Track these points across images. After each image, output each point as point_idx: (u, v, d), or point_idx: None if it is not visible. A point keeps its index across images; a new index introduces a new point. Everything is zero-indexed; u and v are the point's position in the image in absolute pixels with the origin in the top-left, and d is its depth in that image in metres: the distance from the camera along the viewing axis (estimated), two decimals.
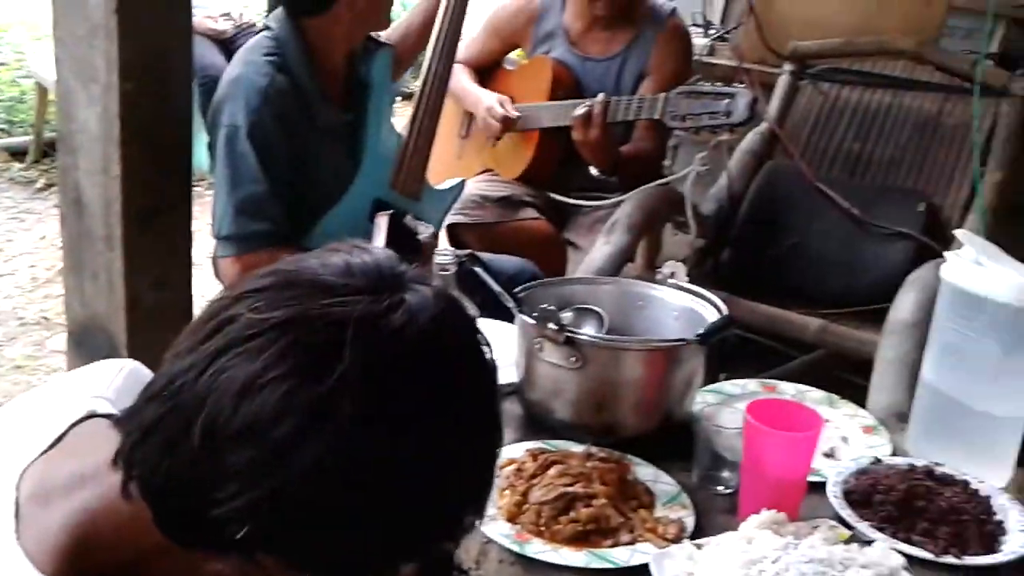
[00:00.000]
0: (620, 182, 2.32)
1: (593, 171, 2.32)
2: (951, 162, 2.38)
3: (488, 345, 0.69)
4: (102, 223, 1.64)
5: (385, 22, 1.86)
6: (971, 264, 1.24)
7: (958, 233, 1.32)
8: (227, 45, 4.03)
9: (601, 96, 2.14)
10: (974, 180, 2.28)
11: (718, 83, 2.03)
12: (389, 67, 1.87)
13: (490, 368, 0.69)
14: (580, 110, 2.15)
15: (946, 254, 1.30)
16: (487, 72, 2.55)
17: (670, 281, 1.50)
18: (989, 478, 1.24)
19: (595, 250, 2.08)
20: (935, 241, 2.20)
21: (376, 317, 0.62)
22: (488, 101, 2.40)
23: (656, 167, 2.46)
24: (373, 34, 1.88)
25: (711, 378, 1.53)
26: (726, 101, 1.94)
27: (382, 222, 1.57)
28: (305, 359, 0.60)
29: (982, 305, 1.21)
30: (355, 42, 1.81)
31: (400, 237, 1.63)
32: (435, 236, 1.87)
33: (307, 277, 0.65)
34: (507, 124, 2.37)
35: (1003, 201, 2.27)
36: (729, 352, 2.68)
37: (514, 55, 2.62)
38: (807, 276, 2.32)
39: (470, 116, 2.54)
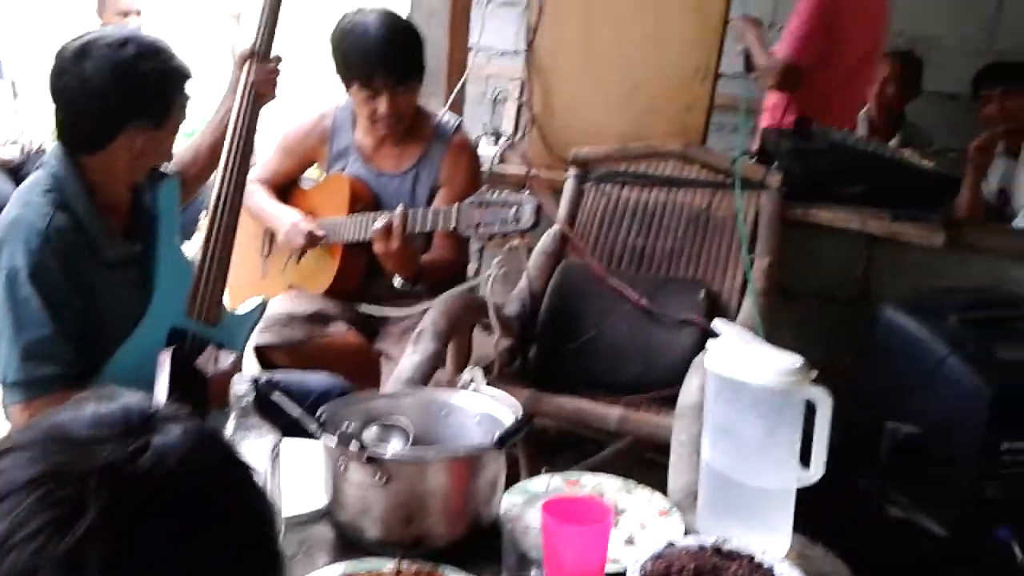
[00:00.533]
0: (425, 289, 2.39)
1: (397, 281, 2.38)
2: (724, 251, 2.60)
3: (253, 476, 0.70)
4: None
5: (166, 155, 1.87)
6: (729, 351, 1.37)
7: (715, 323, 1.45)
8: (15, 172, 3.89)
9: (399, 208, 2.22)
10: (745, 267, 2.51)
11: (507, 191, 2.15)
12: (176, 195, 1.87)
13: (256, 500, 0.69)
14: (379, 223, 2.22)
15: (709, 343, 1.43)
16: (284, 190, 2.59)
17: (471, 387, 1.55)
18: (771, 548, 1.35)
19: (404, 359, 2.12)
20: None
21: (120, 464, 0.62)
22: (290, 218, 2.44)
23: (458, 272, 2.55)
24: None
25: (535, 472, 1.60)
26: (514, 209, 2.06)
27: (164, 359, 1.56)
28: (52, 515, 0.60)
29: (743, 389, 1.34)
30: (137, 177, 1.81)
31: (186, 372, 1.62)
32: (238, 361, 1.86)
33: (59, 431, 0.65)
34: (312, 240, 2.40)
35: (771, 284, 2.50)
36: (551, 445, 2.79)
37: (310, 172, 2.66)
38: (607, 366, 2.45)
39: (271, 234, 2.56)
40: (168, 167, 1.92)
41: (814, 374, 1.35)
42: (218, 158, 1.96)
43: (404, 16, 2.57)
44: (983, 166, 3.50)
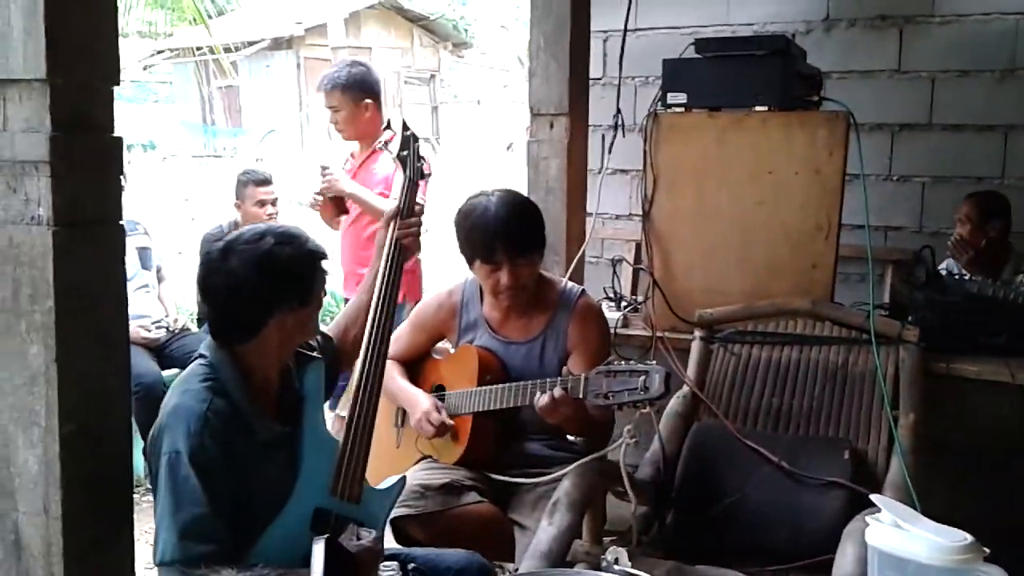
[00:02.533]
0: (586, 444, 2.38)
1: (569, 437, 2.42)
2: (865, 409, 2.51)
3: None
4: (42, 564, 1.61)
5: (313, 332, 1.96)
6: (891, 527, 1.30)
7: (875, 498, 1.39)
8: (159, 351, 4.13)
9: (558, 389, 2.22)
10: (889, 424, 2.41)
11: (633, 360, 2.15)
12: (321, 378, 1.94)
13: None
14: (543, 400, 2.24)
15: (867, 518, 1.36)
16: (416, 364, 2.66)
17: (615, 568, 1.52)
18: None
19: (540, 532, 2.09)
20: (864, 486, 2.28)
21: None
22: (424, 405, 2.49)
23: (606, 433, 2.52)
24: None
25: None
26: (643, 377, 2.06)
27: (319, 548, 1.57)
28: None
29: (906, 567, 1.27)
30: (287, 358, 1.90)
31: (338, 557, 1.63)
32: (380, 539, 1.87)
33: None
34: (442, 430, 2.44)
35: (918, 441, 2.39)
36: None
37: (441, 344, 2.73)
38: (751, 532, 2.35)
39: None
40: (321, 341, 2.01)
41: (987, 552, 1.26)
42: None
43: (523, 193, 2.68)
44: None
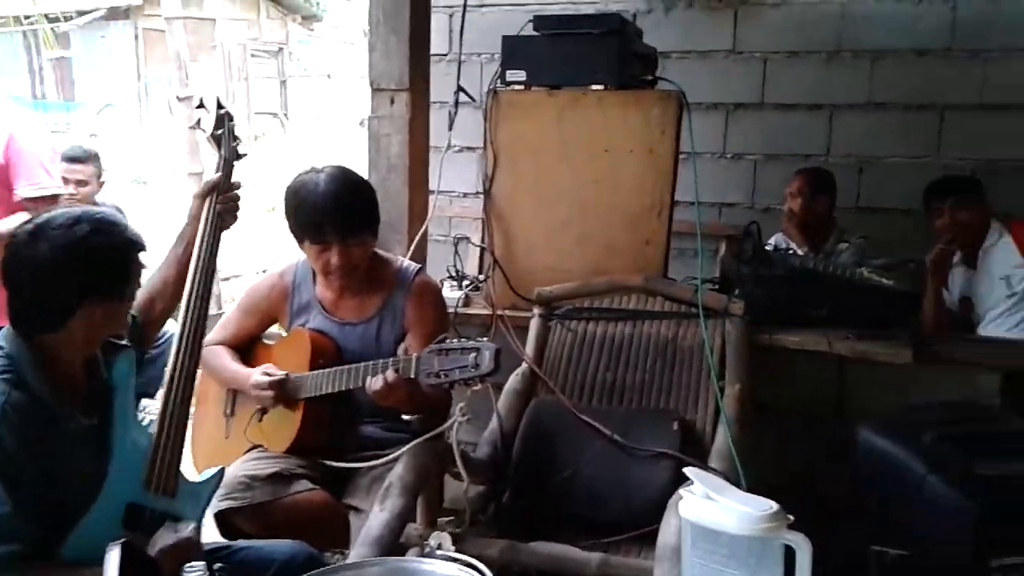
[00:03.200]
0: (422, 424, 2.35)
1: (405, 417, 2.36)
2: (694, 380, 2.58)
3: None
4: None
5: (122, 324, 1.85)
6: (703, 500, 1.33)
7: (688, 471, 1.42)
8: None
9: (390, 371, 2.17)
10: (716, 395, 2.49)
11: (464, 339, 2.13)
12: (132, 367, 1.84)
13: None
14: (376, 383, 2.18)
15: (682, 491, 1.39)
16: (247, 349, 2.56)
17: (438, 552, 1.50)
18: None
19: (372, 517, 2.05)
20: (692, 456, 2.34)
21: None
22: (254, 376, 2.40)
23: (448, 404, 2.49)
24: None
25: None
26: (473, 355, 2.04)
27: (112, 557, 1.48)
28: None
29: (717, 538, 1.30)
30: (92, 348, 1.79)
31: (138, 563, 1.55)
32: (196, 532, 1.79)
33: None
34: (277, 388, 2.36)
35: (744, 410, 2.47)
36: None
37: (272, 329, 2.64)
38: (585, 505, 2.38)
39: (234, 393, 2.52)
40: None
41: (790, 519, 1.31)
42: (178, 295, 1.97)
43: (363, 172, 2.61)
44: (942, 277, 3.55)
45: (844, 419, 2.71)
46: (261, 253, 7.08)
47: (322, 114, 15.28)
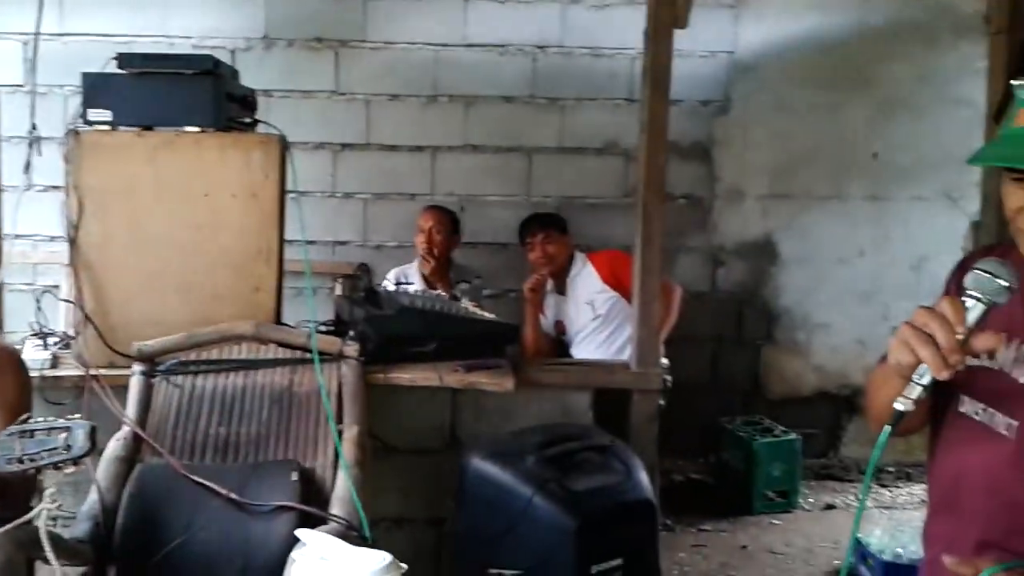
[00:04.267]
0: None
1: None
2: (312, 427, 2.54)
3: None
4: None
5: None
6: (316, 561, 1.31)
7: (300, 533, 1.39)
8: None
9: None
10: (334, 440, 2.48)
11: (52, 418, 1.91)
12: None
13: None
14: None
15: (294, 554, 1.35)
16: None
17: None
18: None
19: None
20: (314, 505, 2.31)
21: None
22: None
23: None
24: None
25: None
26: (64, 435, 1.84)
27: None
28: None
29: None
30: None
31: None
32: None
33: None
34: None
35: (363, 452, 2.49)
36: None
37: None
38: (199, 574, 2.24)
39: None
40: None
41: (404, 568, 1.33)
42: None
43: None
44: (538, 304, 3.87)
45: (460, 449, 2.84)
46: None
47: None
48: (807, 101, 4.48)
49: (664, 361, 3.63)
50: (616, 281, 3.75)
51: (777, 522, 4.11)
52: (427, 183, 4.43)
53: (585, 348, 3.86)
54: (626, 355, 3.36)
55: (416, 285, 3.86)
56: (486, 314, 3.09)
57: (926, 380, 1.12)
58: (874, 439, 1.21)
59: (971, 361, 1.26)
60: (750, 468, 4.17)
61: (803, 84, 4.49)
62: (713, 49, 4.47)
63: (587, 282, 3.86)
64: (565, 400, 3.03)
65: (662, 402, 3.58)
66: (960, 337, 1.11)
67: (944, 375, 1.10)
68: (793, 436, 4.24)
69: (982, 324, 1.13)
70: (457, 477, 2.60)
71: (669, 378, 3.66)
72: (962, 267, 1.35)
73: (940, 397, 1.35)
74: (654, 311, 3.09)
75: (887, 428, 1.16)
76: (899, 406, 1.15)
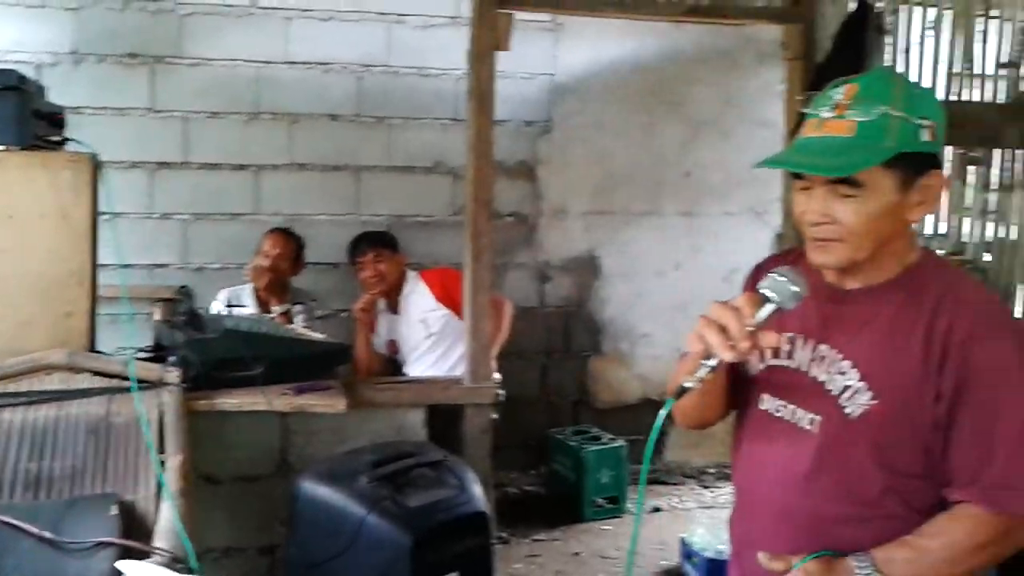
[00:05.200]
0: None
1: None
2: (133, 458, 2.43)
3: None
4: None
5: None
6: None
7: (121, 565, 1.33)
8: None
9: None
10: (156, 471, 2.38)
11: None
12: None
13: None
14: None
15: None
16: None
17: None
18: None
19: None
20: (137, 539, 2.21)
21: None
22: None
23: None
24: None
25: None
26: None
27: None
28: None
29: None
30: None
31: None
32: None
33: None
34: None
35: (187, 482, 2.40)
36: None
37: None
38: None
39: None
40: None
41: None
42: None
43: None
44: (370, 324, 3.86)
45: (291, 473, 2.79)
46: None
47: None
48: (624, 121, 4.69)
49: (496, 376, 3.70)
50: (448, 298, 3.78)
51: (607, 527, 4.24)
52: (251, 202, 4.33)
53: (419, 366, 3.87)
54: (460, 372, 3.40)
55: (249, 308, 3.76)
56: (316, 335, 3.06)
57: (713, 362, 1.21)
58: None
59: (772, 361, 1.38)
60: (580, 476, 4.29)
61: (620, 105, 4.69)
62: (535, 71, 4.60)
63: (420, 300, 3.87)
64: (399, 418, 3.03)
65: (495, 416, 3.65)
66: (749, 328, 1.21)
67: (729, 357, 1.20)
68: (620, 443, 4.39)
69: (771, 323, 1.24)
70: (288, 502, 2.55)
71: (502, 392, 3.73)
72: (757, 270, 1.47)
73: (742, 395, 1.46)
74: (485, 327, 3.15)
75: (669, 400, 1.26)
76: (686, 383, 1.24)
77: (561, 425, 4.64)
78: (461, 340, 3.51)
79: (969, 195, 3.43)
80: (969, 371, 1.25)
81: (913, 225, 1.36)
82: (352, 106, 4.39)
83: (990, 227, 3.45)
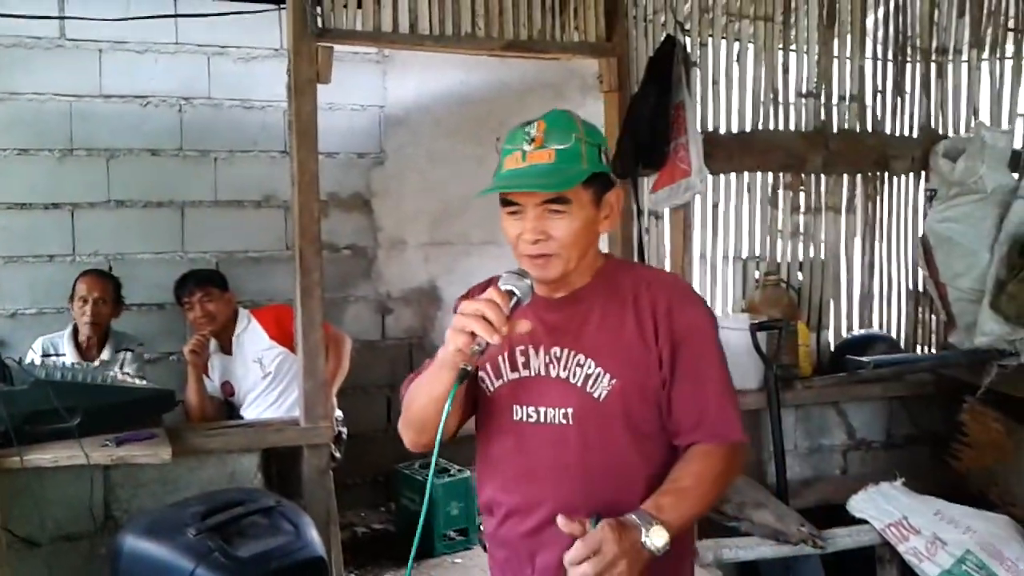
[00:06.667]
0: None
1: None
2: None
3: None
4: None
5: None
6: None
7: None
8: None
9: None
10: None
11: None
12: None
13: None
14: None
15: None
16: None
17: None
18: None
19: None
20: None
21: None
22: None
23: None
24: None
25: None
26: None
27: None
28: None
29: None
30: None
31: None
32: None
33: None
34: None
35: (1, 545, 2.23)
36: None
37: None
38: None
39: None
40: None
41: None
42: None
43: None
44: (202, 366, 3.69)
45: (117, 530, 2.62)
46: None
47: None
48: (456, 152, 4.71)
49: (339, 413, 3.62)
50: (284, 336, 3.67)
51: (458, 560, 4.21)
52: (68, 243, 4.09)
53: (257, 408, 3.73)
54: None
55: (68, 356, 3.53)
56: (138, 381, 2.91)
57: (482, 345, 1.36)
58: None
59: (511, 375, 1.56)
60: (429, 510, 4.24)
61: (451, 137, 4.71)
62: (365, 103, 4.57)
63: (254, 339, 3.74)
64: (231, 464, 2.92)
65: (338, 454, 3.55)
66: (506, 314, 1.37)
67: (496, 340, 1.34)
68: (468, 473, 4.37)
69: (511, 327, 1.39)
70: (111, 560, 2.40)
71: (344, 430, 3.65)
72: (465, 297, 1.61)
73: (483, 415, 1.62)
74: (320, 364, 3.07)
75: (456, 385, 1.39)
76: (465, 366, 1.38)
77: (408, 459, 4.59)
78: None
79: (780, 218, 3.63)
80: (676, 334, 1.49)
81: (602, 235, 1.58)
82: (174, 140, 4.23)
83: (801, 248, 3.67)
